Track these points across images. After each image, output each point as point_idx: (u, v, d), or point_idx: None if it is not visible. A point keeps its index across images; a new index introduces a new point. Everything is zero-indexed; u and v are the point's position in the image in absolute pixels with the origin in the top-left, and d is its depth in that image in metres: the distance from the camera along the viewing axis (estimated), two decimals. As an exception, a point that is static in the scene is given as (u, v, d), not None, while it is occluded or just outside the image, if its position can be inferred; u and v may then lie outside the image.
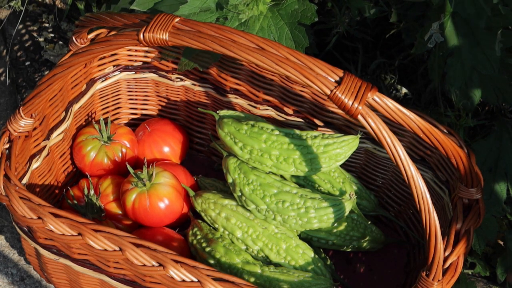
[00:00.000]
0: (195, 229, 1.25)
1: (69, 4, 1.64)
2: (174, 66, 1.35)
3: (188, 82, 1.36)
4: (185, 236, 1.27)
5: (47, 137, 1.24)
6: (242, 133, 1.23)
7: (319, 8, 1.53)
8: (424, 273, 0.98)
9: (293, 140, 1.21)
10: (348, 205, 1.20)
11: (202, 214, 1.25)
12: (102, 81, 1.34)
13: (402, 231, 1.34)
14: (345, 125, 1.29)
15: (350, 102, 0.91)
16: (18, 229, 1.15)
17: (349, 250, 1.27)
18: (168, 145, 1.37)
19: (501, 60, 1.28)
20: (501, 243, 1.37)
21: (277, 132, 1.22)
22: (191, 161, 1.44)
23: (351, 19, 1.47)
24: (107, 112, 1.40)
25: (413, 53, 1.50)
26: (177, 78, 1.36)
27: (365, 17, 1.50)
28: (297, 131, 1.24)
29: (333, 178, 1.26)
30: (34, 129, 1.18)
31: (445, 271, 0.99)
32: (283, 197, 1.20)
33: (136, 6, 1.25)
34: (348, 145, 1.21)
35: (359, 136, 1.22)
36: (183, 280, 1.01)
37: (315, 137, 1.22)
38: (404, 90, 1.52)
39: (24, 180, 1.18)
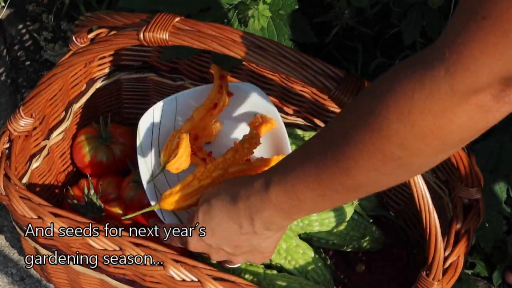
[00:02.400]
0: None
1: (67, 3, 1.64)
2: (174, 66, 1.35)
3: (187, 82, 1.36)
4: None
5: (47, 137, 1.24)
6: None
7: (319, 4, 1.53)
8: (424, 273, 0.98)
9: (290, 140, 1.21)
10: (350, 210, 1.20)
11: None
12: (102, 80, 1.34)
13: (402, 231, 1.34)
14: (345, 125, 1.29)
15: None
16: (18, 229, 1.15)
17: (349, 250, 1.27)
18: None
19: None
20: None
21: (274, 132, 1.22)
22: (191, 161, 1.44)
23: (351, 17, 1.47)
24: (107, 112, 1.40)
25: (412, 54, 1.50)
26: (177, 77, 1.36)
27: (365, 16, 1.50)
28: (295, 131, 1.24)
29: (333, 178, 1.26)
30: (34, 128, 1.18)
31: (445, 271, 0.99)
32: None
33: (125, 4, 1.27)
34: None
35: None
36: (183, 280, 1.00)
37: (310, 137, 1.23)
38: (404, 90, 1.52)
39: (24, 180, 1.18)
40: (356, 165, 0.74)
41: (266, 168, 1.02)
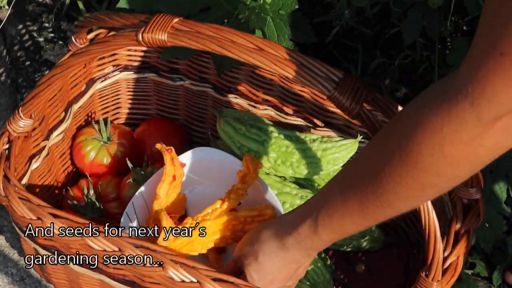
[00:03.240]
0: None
1: (67, 3, 1.64)
2: (174, 66, 1.35)
3: (187, 82, 1.36)
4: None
5: (47, 137, 1.24)
6: (240, 133, 1.23)
7: (319, 4, 1.53)
8: (424, 273, 0.98)
9: (292, 143, 1.21)
10: None
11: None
12: (102, 81, 1.34)
13: (402, 231, 1.34)
14: (345, 125, 1.29)
15: (350, 103, 0.91)
16: (17, 230, 1.15)
17: (349, 249, 1.27)
18: (167, 145, 1.37)
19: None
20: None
21: (275, 134, 1.22)
22: (191, 161, 1.44)
23: (351, 17, 1.47)
24: (107, 112, 1.40)
25: (412, 54, 1.50)
26: (177, 78, 1.36)
27: (365, 16, 1.50)
28: (297, 133, 1.23)
29: (333, 178, 1.26)
30: (34, 129, 1.18)
31: (444, 271, 0.99)
32: (283, 198, 1.20)
33: (125, 4, 1.27)
34: (346, 149, 1.21)
35: (358, 140, 1.22)
36: (183, 281, 1.00)
37: (314, 140, 1.22)
38: (404, 90, 1.52)
39: (24, 181, 1.18)
40: (398, 197, 0.80)
41: (254, 217, 1.12)
